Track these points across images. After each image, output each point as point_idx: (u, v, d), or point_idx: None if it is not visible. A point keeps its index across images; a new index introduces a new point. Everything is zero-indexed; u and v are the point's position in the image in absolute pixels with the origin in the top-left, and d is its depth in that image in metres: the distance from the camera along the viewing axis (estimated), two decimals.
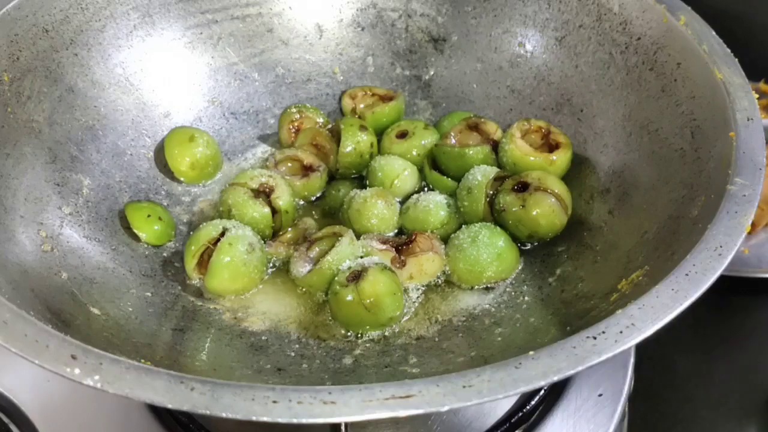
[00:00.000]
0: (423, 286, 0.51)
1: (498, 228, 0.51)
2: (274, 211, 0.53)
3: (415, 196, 0.55)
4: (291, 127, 0.61)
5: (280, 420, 0.29)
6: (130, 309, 0.46)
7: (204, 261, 0.49)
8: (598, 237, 0.50)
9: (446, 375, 0.31)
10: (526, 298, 0.49)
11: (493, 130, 0.57)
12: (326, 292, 0.49)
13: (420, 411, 0.29)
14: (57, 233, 0.47)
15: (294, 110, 0.61)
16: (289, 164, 0.58)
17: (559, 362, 0.31)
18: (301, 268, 0.50)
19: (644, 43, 0.52)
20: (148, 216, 0.52)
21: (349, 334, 0.47)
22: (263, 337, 0.47)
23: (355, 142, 0.57)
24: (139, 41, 0.57)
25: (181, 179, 0.58)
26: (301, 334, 0.48)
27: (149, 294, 0.48)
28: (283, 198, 0.54)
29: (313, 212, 0.58)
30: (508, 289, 0.50)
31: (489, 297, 0.50)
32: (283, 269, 0.52)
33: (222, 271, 0.48)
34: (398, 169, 0.57)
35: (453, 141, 0.57)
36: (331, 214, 0.57)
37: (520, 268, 0.51)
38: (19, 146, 0.48)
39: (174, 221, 0.55)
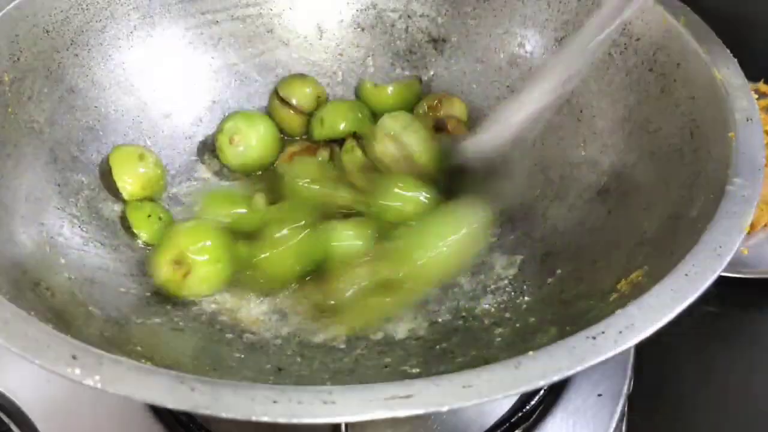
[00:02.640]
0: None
1: None
2: None
3: None
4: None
5: (281, 420, 0.29)
6: (131, 309, 0.46)
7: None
8: (598, 237, 0.50)
9: (446, 375, 0.31)
10: (526, 298, 0.49)
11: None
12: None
13: (420, 411, 0.29)
14: (58, 233, 0.47)
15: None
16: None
17: (558, 362, 0.31)
18: None
19: (644, 43, 0.52)
20: (149, 216, 0.52)
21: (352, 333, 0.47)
22: (264, 337, 0.47)
23: None
24: (140, 42, 0.57)
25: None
26: (301, 334, 0.48)
27: (149, 294, 0.48)
28: None
29: None
30: (507, 289, 0.50)
31: (489, 297, 0.50)
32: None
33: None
34: None
35: None
36: None
37: (518, 269, 0.51)
38: (19, 147, 0.48)
39: (174, 221, 0.55)
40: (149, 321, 0.46)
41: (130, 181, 0.53)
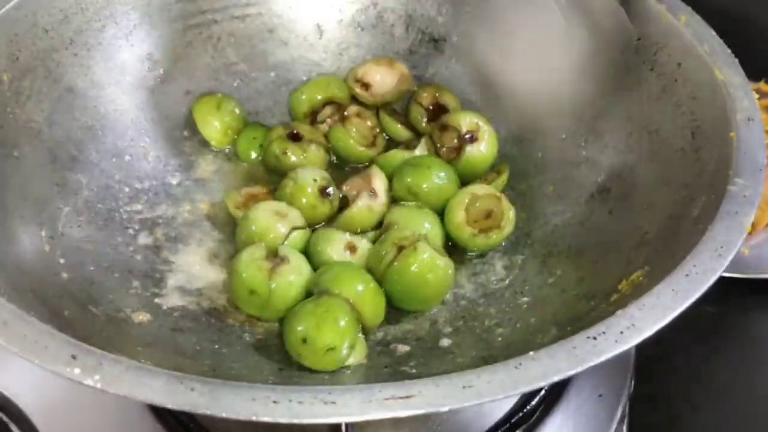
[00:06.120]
0: None
1: None
2: None
3: None
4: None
5: (281, 420, 0.29)
6: (130, 309, 0.46)
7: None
8: (598, 237, 0.50)
9: (446, 375, 0.31)
10: (527, 298, 0.49)
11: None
12: None
13: (420, 411, 0.29)
14: (57, 233, 0.47)
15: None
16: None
17: (559, 362, 0.31)
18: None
19: (645, 43, 0.52)
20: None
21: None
22: (263, 337, 0.47)
23: None
24: (139, 41, 0.57)
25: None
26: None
27: (149, 294, 0.48)
28: None
29: None
30: (508, 289, 0.50)
31: (490, 298, 0.50)
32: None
33: None
34: None
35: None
36: None
37: (519, 269, 0.51)
38: (19, 146, 0.48)
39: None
40: (149, 321, 0.46)
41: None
